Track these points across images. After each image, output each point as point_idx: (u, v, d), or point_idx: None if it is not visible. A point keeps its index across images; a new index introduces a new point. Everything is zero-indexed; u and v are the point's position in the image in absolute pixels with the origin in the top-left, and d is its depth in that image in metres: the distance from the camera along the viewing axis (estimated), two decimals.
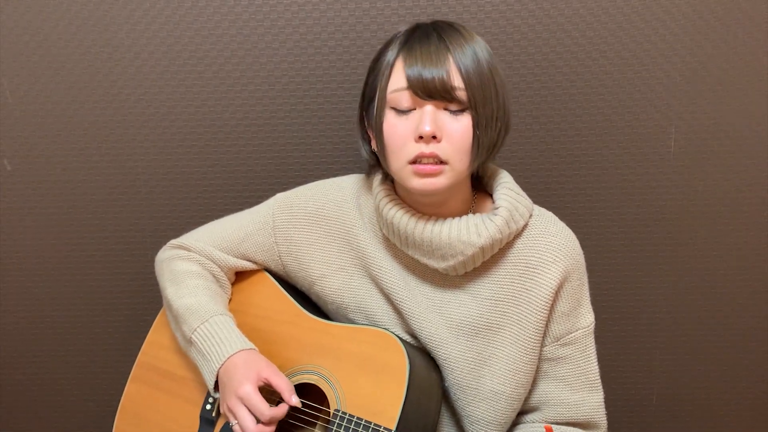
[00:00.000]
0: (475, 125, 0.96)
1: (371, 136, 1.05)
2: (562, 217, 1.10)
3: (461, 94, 0.95)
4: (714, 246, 1.41)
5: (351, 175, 1.18)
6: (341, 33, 1.33)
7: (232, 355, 1.04)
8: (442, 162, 0.96)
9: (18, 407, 1.52)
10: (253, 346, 1.07)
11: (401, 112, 0.98)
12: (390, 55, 0.99)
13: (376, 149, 1.04)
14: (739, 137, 1.35)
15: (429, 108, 0.95)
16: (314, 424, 1.08)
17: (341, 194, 1.14)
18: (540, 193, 1.37)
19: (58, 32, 1.33)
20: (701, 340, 1.46)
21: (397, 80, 0.97)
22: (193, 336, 1.08)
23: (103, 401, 1.51)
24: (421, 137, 0.95)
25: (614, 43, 1.31)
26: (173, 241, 1.20)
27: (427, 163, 0.96)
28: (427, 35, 0.98)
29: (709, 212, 1.39)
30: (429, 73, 0.94)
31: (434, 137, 0.95)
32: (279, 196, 1.18)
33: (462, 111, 0.96)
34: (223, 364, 1.04)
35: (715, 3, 1.29)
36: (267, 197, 1.20)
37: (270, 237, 1.15)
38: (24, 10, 1.32)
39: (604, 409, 1.08)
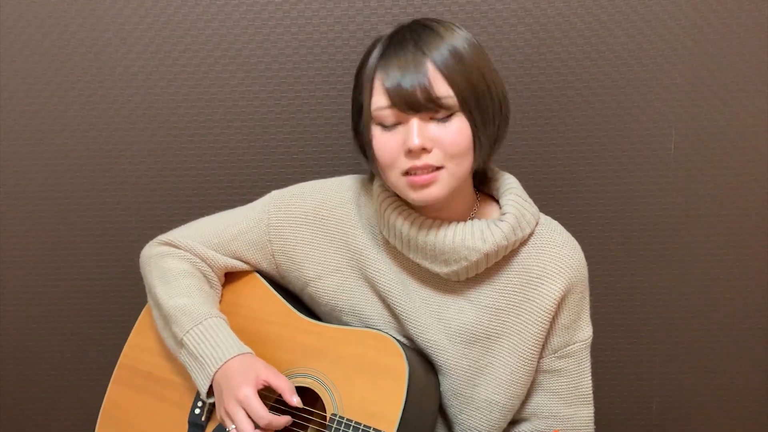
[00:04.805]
0: (473, 125, 0.95)
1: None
2: (560, 220, 1.10)
3: (449, 101, 0.92)
4: (714, 250, 1.40)
5: (350, 176, 1.16)
6: (334, 33, 1.32)
7: (229, 360, 1.01)
8: (436, 168, 0.94)
9: None
10: (249, 350, 1.04)
11: (387, 127, 0.96)
12: (368, 68, 0.97)
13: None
14: (740, 139, 1.35)
15: (414, 122, 0.93)
16: (311, 429, 1.06)
17: (339, 194, 1.11)
18: (538, 196, 1.34)
19: (44, 31, 1.33)
20: (701, 346, 1.45)
21: (379, 98, 0.95)
22: (184, 338, 1.05)
23: (86, 405, 1.48)
24: (410, 151, 0.93)
25: (613, 44, 1.31)
26: (161, 237, 1.17)
27: (421, 174, 0.94)
28: (402, 43, 0.95)
29: (710, 215, 1.38)
30: (408, 84, 0.91)
31: (424, 149, 0.93)
32: (275, 193, 1.15)
33: (450, 116, 0.94)
34: (219, 369, 1.01)
35: (716, 3, 1.29)
36: (258, 198, 1.18)
37: (264, 235, 1.12)
38: (9, 10, 1.31)
39: (593, 424, 1.07)
